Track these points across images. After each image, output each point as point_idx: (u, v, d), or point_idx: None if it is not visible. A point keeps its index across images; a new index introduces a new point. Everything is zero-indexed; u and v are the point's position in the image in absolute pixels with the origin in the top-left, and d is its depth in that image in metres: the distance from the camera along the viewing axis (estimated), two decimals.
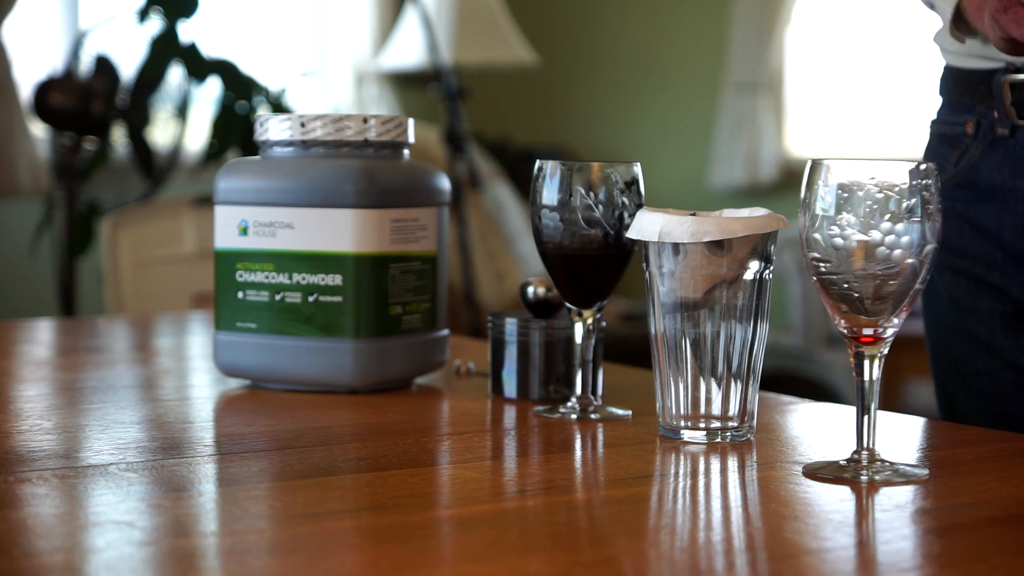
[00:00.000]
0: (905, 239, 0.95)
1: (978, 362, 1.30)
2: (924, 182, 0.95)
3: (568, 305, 1.19)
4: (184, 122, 3.50)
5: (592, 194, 1.15)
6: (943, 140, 1.31)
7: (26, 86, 3.61)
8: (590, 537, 0.87)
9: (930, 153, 1.33)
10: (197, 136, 3.74)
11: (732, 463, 1.04)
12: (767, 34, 5.08)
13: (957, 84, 1.31)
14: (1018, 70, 1.25)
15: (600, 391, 1.22)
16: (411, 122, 1.34)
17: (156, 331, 1.87)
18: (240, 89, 3.43)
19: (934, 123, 1.34)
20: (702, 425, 1.09)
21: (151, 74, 3.35)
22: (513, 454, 1.12)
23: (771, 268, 1.08)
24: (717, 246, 1.06)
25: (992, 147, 1.27)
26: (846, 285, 0.96)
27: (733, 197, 5.22)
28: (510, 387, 1.27)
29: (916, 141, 5.05)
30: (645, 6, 5.46)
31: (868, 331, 0.98)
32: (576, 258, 1.16)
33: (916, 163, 0.96)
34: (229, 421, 1.23)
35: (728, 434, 1.09)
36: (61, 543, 0.83)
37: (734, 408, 1.09)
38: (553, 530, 0.88)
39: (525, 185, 4.52)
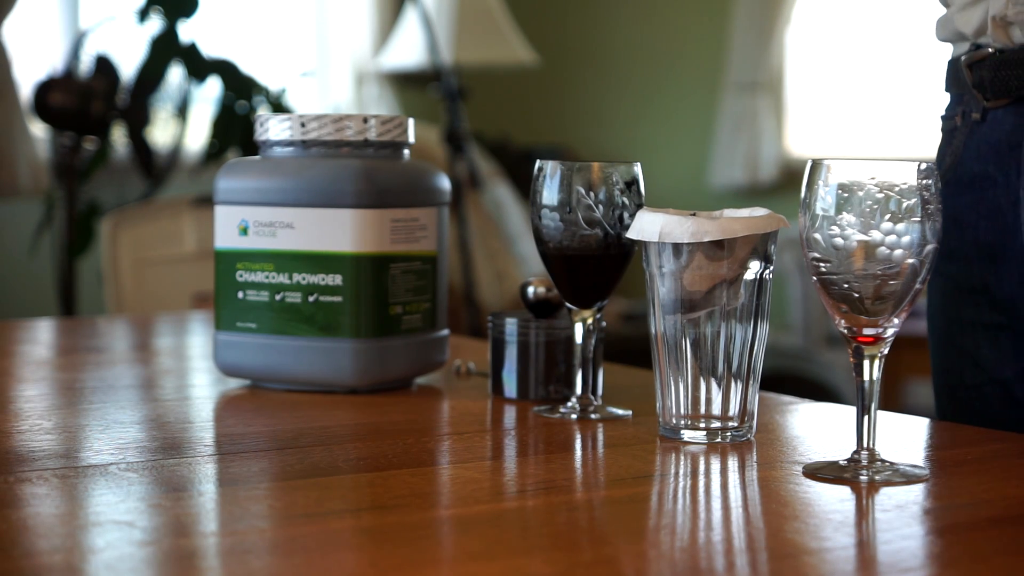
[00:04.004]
0: (905, 239, 0.95)
1: (965, 375, 1.29)
2: (924, 182, 0.95)
3: (568, 305, 1.19)
4: (184, 122, 3.50)
5: (592, 194, 1.15)
6: (944, 136, 1.31)
7: (26, 86, 3.62)
8: (590, 537, 0.87)
9: (938, 150, 1.33)
10: (197, 136, 3.74)
11: (732, 463, 1.04)
12: (767, 34, 5.08)
13: (947, 75, 1.31)
14: (975, 49, 1.25)
15: (600, 391, 1.22)
16: (411, 122, 1.34)
17: (156, 331, 1.87)
18: (240, 89, 3.43)
19: (941, 121, 1.34)
20: (702, 425, 1.09)
21: (151, 74, 3.35)
22: (513, 454, 1.12)
23: (771, 268, 1.08)
24: (717, 246, 1.06)
25: (971, 135, 1.26)
26: (846, 285, 0.96)
27: (733, 197, 5.22)
28: (510, 387, 1.27)
29: (916, 141, 5.05)
30: (645, 6, 5.46)
31: (868, 331, 0.98)
32: (576, 258, 1.16)
33: (916, 163, 0.96)
34: (229, 421, 1.23)
35: (728, 434, 1.09)
36: (61, 543, 0.83)
37: (734, 408, 1.09)
38: (553, 530, 0.88)
39: (525, 185, 4.52)
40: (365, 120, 1.30)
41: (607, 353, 1.28)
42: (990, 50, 1.24)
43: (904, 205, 0.95)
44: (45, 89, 3.25)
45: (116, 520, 0.86)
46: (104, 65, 3.34)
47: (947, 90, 1.32)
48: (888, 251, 0.95)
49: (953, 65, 1.29)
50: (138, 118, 3.34)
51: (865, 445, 0.99)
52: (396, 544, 0.82)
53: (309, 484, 0.96)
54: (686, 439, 1.09)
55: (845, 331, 0.99)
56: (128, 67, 3.40)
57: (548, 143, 5.31)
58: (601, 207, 1.15)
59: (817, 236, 0.96)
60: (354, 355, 1.28)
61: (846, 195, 0.95)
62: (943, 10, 1.30)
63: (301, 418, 1.20)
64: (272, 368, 1.31)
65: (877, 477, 0.97)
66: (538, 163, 1.17)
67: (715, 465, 1.04)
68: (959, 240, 1.27)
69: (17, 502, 0.91)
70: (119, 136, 3.43)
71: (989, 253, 1.25)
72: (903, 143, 5.08)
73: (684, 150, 5.41)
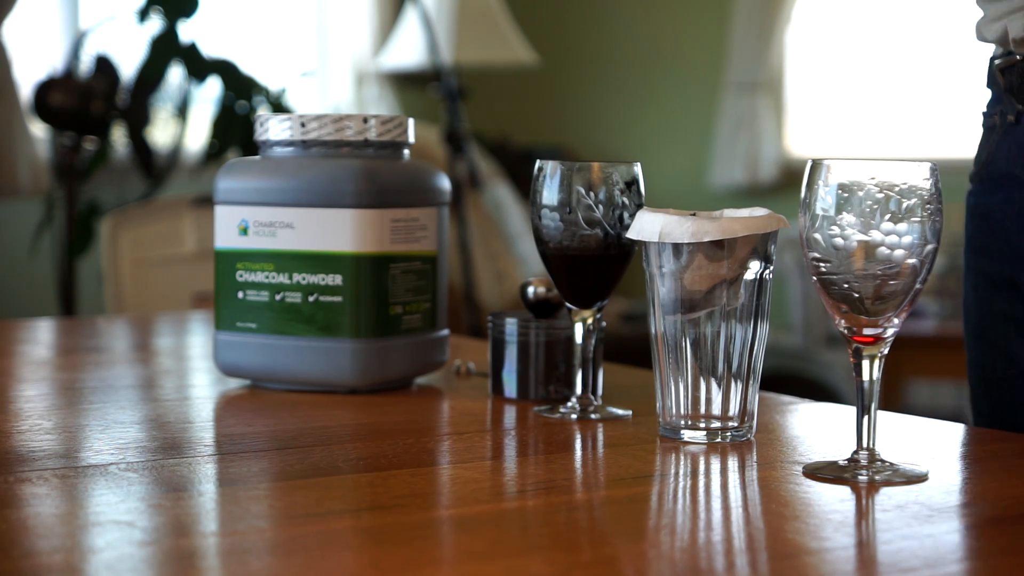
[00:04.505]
0: (905, 239, 0.95)
1: (997, 367, 1.29)
2: (924, 182, 0.95)
3: (568, 305, 1.19)
4: (184, 122, 3.51)
5: (592, 194, 1.15)
6: (984, 132, 1.32)
7: (26, 86, 3.62)
8: (590, 537, 0.87)
9: (979, 145, 1.33)
10: (197, 136, 3.74)
11: (732, 463, 1.04)
12: (767, 34, 5.08)
13: (988, 74, 1.31)
14: (1007, 55, 1.25)
15: (600, 391, 1.22)
16: (411, 122, 1.34)
17: (156, 331, 1.87)
18: (240, 89, 3.43)
19: (982, 116, 1.34)
20: (702, 425, 1.09)
21: (151, 74, 3.35)
22: (513, 454, 1.12)
23: (771, 268, 1.08)
24: (717, 246, 1.06)
25: (1005, 136, 1.27)
26: (846, 285, 0.96)
27: (733, 197, 5.22)
28: (510, 387, 1.27)
29: (917, 140, 5.05)
30: (645, 6, 5.46)
31: (868, 331, 0.98)
32: (576, 258, 1.16)
33: (916, 163, 0.96)
34: (229, 421, 1.23)
35: (728, 434, 1.09)
36: (61, 543, 0.83)
37: (734, 408, 1.09)
38: (553, 530, 0.88)
39: (525, 185, 4.52)
40: (365, 120, 1.30)
41: (607, 353, 1.28)
42: (1018, 57, 1.24)
43: (904, 205, 0.95)
44: (45, 89, 3.25)
45: (116, 520, 0.86)
46: (104, 65, 3.34)
47: (988, 87, 1.32)
48: (888, 251, 0.95)
49: (991, 65, 1.30)
50: (138, 118, 3.35)
51: (865, 445, 0.99)
52: (396, 544, 0.82)
53: (309, 484, 0.96)
54: (686, 439, 1.09)
55: (845, 331, 0.99)
56: (128, 67, 3.40)
57: (548, 143, 5.31)
58: (601, 207, 1.15)
59: (817, 236, 0.96)
60: (354, 355, 1.28)
61: (846, 195, 0.95)
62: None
63: (301, 418, 1.20)
64: (272, 368, 1.31)
65: (877, 477, 0.97)
66: (538, 163, 1.17)
67: (715, 465, 1.04)
68: (990, 236, 1.28)
69: (17, 502, 0.91)
70: (119, 136, 3.43)
71: (1018, 252, 1.26)
72: (903, 142, 5.08)
73: (684, 150, 5.41)
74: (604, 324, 1.23)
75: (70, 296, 3.38)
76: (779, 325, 4.61)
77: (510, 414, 1.23)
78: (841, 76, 5.20)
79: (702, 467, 1.03)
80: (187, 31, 3.43)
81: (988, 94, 1.32)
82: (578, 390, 1.19)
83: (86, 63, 3.38)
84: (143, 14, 3.41)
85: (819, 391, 4.22)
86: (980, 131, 1.33)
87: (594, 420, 1.17)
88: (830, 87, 5.24)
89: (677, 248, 1.07)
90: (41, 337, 1.81)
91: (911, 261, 0.96)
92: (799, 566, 0.80)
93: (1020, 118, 1.25)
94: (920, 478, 0.97)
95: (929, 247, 0.96)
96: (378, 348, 1.29)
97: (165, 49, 3.36)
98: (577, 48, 5.55)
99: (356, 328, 1.28)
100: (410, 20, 4.48)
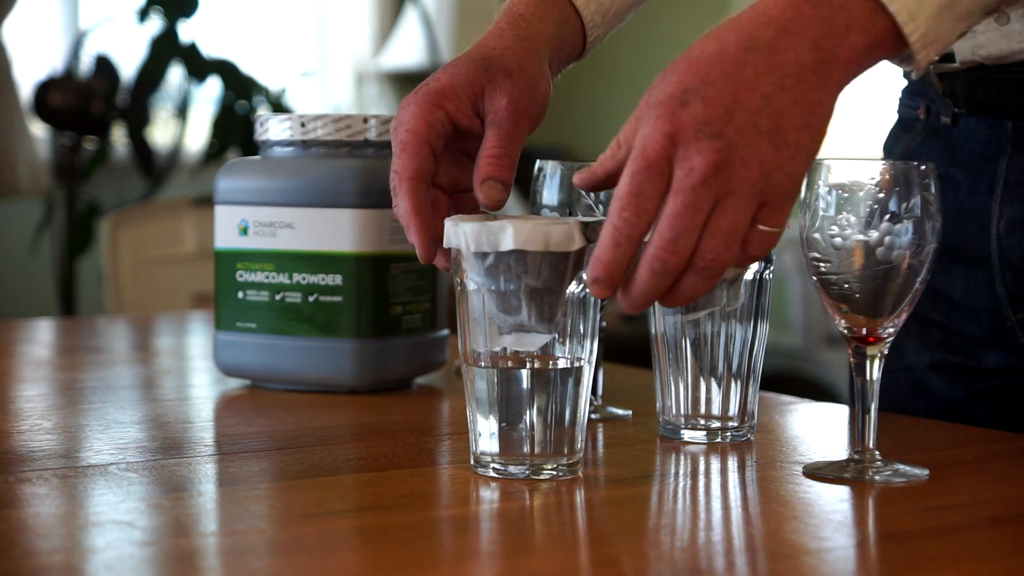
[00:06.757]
0: (905, 239, 0.95)
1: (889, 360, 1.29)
2: (924, 182, 0.95)
3: None
4: (184, 122, 3.51)
5: (592, 194, 1.15)
6: (900, 123, 1.31)
7: (26, 86, 3.62)
8: (590, 537, 0.87)
9: (890, 135, 1.32)
10: (197, 136, 3.74)
11: (732, 463, 1.04)
12: None
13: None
14: (944, 60, 1.24)
15: (600, 391, 1.22)
16: None
17: (156, 331, 1.87)
18: (240, 89, 3.44)
19: (898, 103, 1.33)
20: (702, 425, 1.09)
21: (151, 74, 3.35)
22: None
23: (771, 268, 1.08)
24: None
25: (934, 135, 1.26)
26: (846, 285, 0.96)
27: None
28: None
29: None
30: (645, 6, 5.46)
31: (868, 331, 0.98)
32: None
33: (916, 163, 0.96)
34: (229, 421, 1.23)
35: (728, 434, 1.09)
36: (61, 543, 0.83)
37: (734, 408, 1.09)
38: (553, 530, 0.88)
39: (525, 185, 4.51)
40: (365, 120, 1.30)
41: (607, 353, 1.28)
42: (962, 68, 1.22)
43: (904, 205, 0.95)
44: (45, 89, 3.25)
45: (116, 520, 0.86)
46: (104, 65, 3.34)
47: (906, 77, 1.30)
48: (888, 251, 0.95)
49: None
50: (138, 118, 3.35)
51: (865, 445, 0.99)
52: (396, 544, 0.82)
53: (309, 484, 0.96)
54: (686, 439, 1.09)
55: (845, 331, 0.99)
56: (128, 67, 3.41)
57: (548, 143, 5.31)
58: (601, 207, 1.15)
59: (817, 236, 0.96)
60: (354, 355, 1.28)
61: (846, 195, 0.95)
62: None
63: (301, 418, 1.20)
64: (272, 368, 1.31)
65: (877, 477, 0.97)
66: (538, 163, 1.17)
67: (715, 465, 1.04)
68: None
69: (17, 502, 0.91)
70: (119, 136, 3.43)
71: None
72: None
73: None
74: (604, 324, 1.23)
75: (70, 296, 3.38)
76: (779, 325, 4.61)
77: None
78: None
79: (702, 467, 1.03)
80: (187, 31, 3.43)
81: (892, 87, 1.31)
82: None
83: (86, 63, 3.39)
84: (143, 14, 3.41)
85: (819, 391, 4.22)
86: (890, 121, 1.32)
87: (594, 420, 1.17)
88: None
89: None
90: (41, 337, 1.81)
91: (911, 261, 0.95)
92: (799, 566, 0.80)
93: (957, 120, 1.24)
94: (920, 478, 0.97)
95: (929, 247, 0.96)
96: (378, 348, 1.29)
97: (165, 49, 3.37)
98: None
99: (356, 328, 1.28)
100: (410, 20, 4.48)
